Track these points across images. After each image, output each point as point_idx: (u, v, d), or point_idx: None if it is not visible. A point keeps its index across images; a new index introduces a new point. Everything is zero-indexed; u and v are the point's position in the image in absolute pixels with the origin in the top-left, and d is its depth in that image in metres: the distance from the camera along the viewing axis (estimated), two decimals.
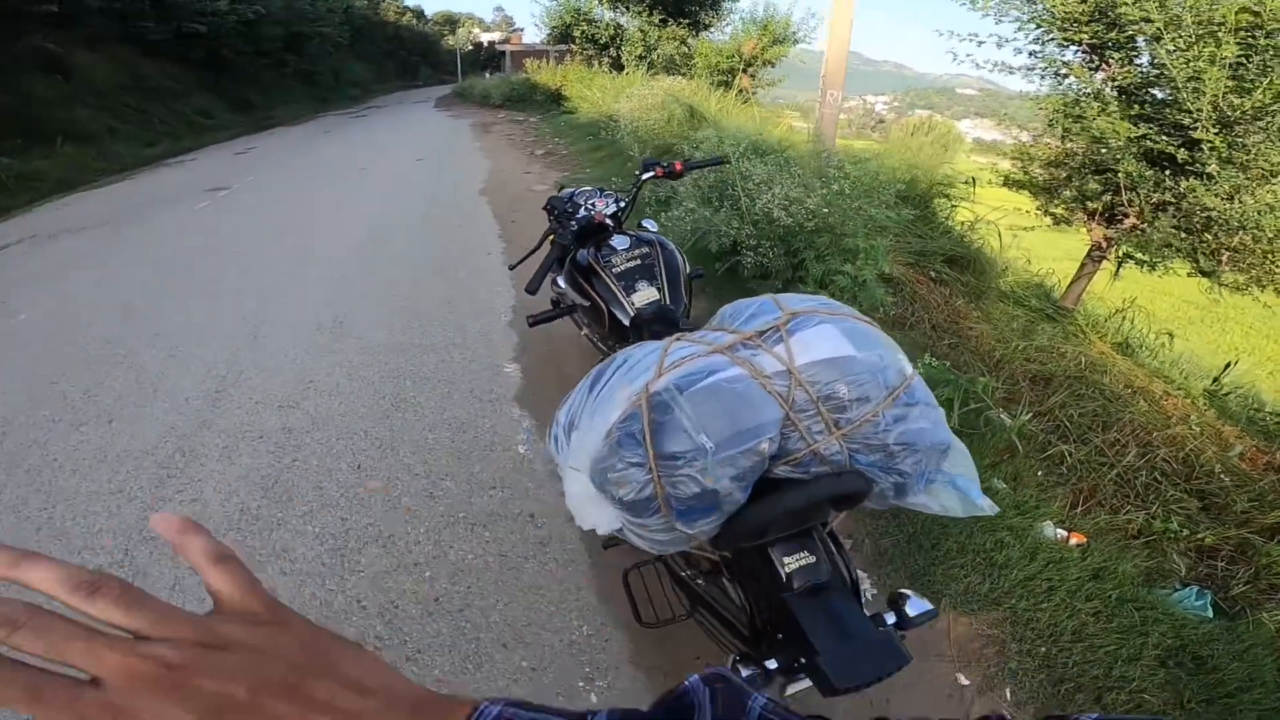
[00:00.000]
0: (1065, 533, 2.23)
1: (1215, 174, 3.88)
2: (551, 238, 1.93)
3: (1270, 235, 3.95)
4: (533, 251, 2.11)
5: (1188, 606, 1.89)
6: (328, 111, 17.50)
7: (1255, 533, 2.21)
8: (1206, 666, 1.57)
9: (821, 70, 4.98)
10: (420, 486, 2.27)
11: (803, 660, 0.94)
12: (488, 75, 25.22)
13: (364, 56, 26.54)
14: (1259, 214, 3.92)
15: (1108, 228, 4.97)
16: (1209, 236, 4.25)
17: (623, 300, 1.76)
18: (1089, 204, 5.04)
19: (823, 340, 0.98)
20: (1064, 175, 5.48)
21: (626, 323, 1.74)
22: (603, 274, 1.81)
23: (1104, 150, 4.44)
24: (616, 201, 2.02)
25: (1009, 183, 6.38)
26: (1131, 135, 4.06)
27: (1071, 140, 5.12)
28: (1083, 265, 5.36)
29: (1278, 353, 8.23)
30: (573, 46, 13.82)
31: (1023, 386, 3.03)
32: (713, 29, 12.24)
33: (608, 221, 1.91)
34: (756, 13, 11.37)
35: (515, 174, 7.69)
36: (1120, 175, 4.27)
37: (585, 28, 12.95)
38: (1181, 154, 3.91)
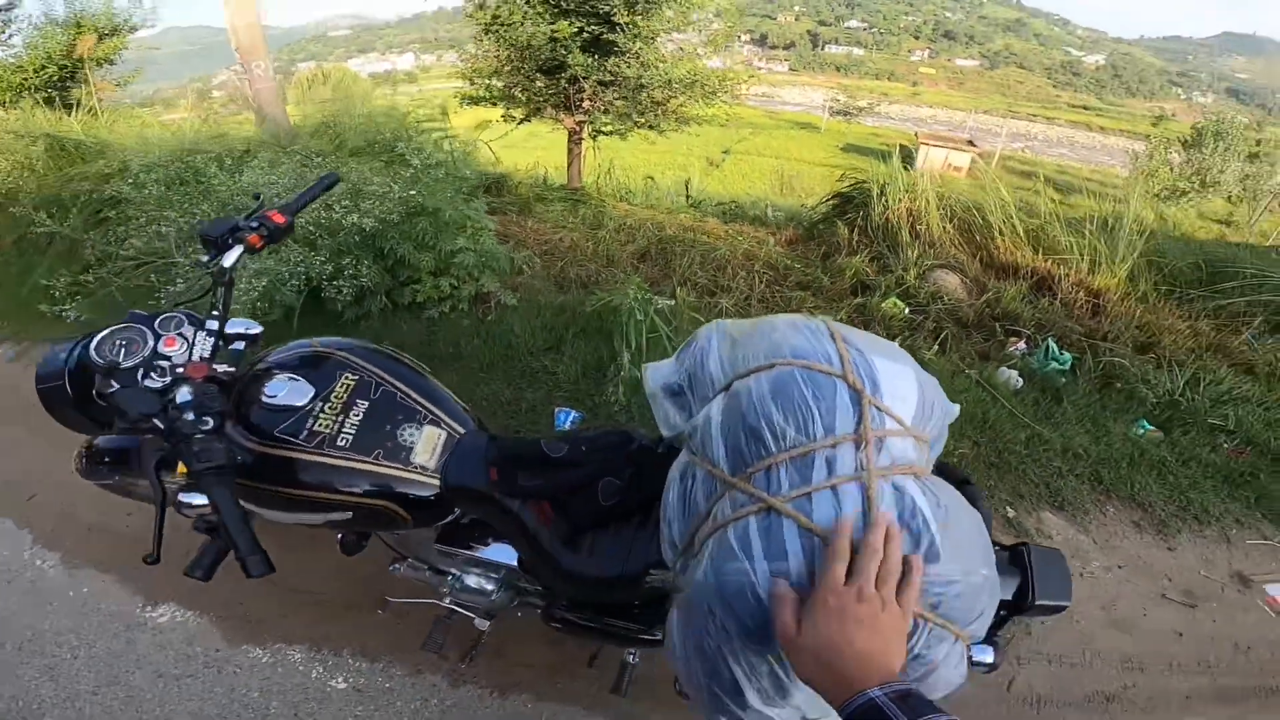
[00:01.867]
0: None
1: (628, 48, 4.79)
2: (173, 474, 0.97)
3: (682, 89, 5.24)
4: (160, 520, 0.99)
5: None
6: None
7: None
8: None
9: (232, 44, 3.88)
10: None
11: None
12: None
13: None
14: (666, 74, 5.13)
15: (572, 115, 5.64)
16: (643, 98, 5.31)
17: (397, 472, 1.05)
18: (549, 99, 5.61)
19: (898, 382, 0.78)
20: (512, 82, 5.91)
21: (413, 495, 1.06)
22: (319, 458, 1.02)
23: (550, 49, 4.86)
24: (190, 324, 1.06)
25: (469, 100, 6.58)
26: (570, 31, 4.55)
27: (507, 47, 5.45)
28: (570, 150, 6.06)
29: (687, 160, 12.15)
30: None
31: (639, 269, 3.28)
32: None
33: (217, 371, 1.02)
34: (54, 12, 8.22)
35: None
36: (574, 67, 4.78)
37: None
38: (617, 37, 4.61)
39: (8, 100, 7.45)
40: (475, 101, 6.44)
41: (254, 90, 4.64)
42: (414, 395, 1.13)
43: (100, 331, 1.03)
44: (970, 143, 21.32)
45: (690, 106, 5.81)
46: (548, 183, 6.30)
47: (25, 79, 7.94)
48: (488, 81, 6.16)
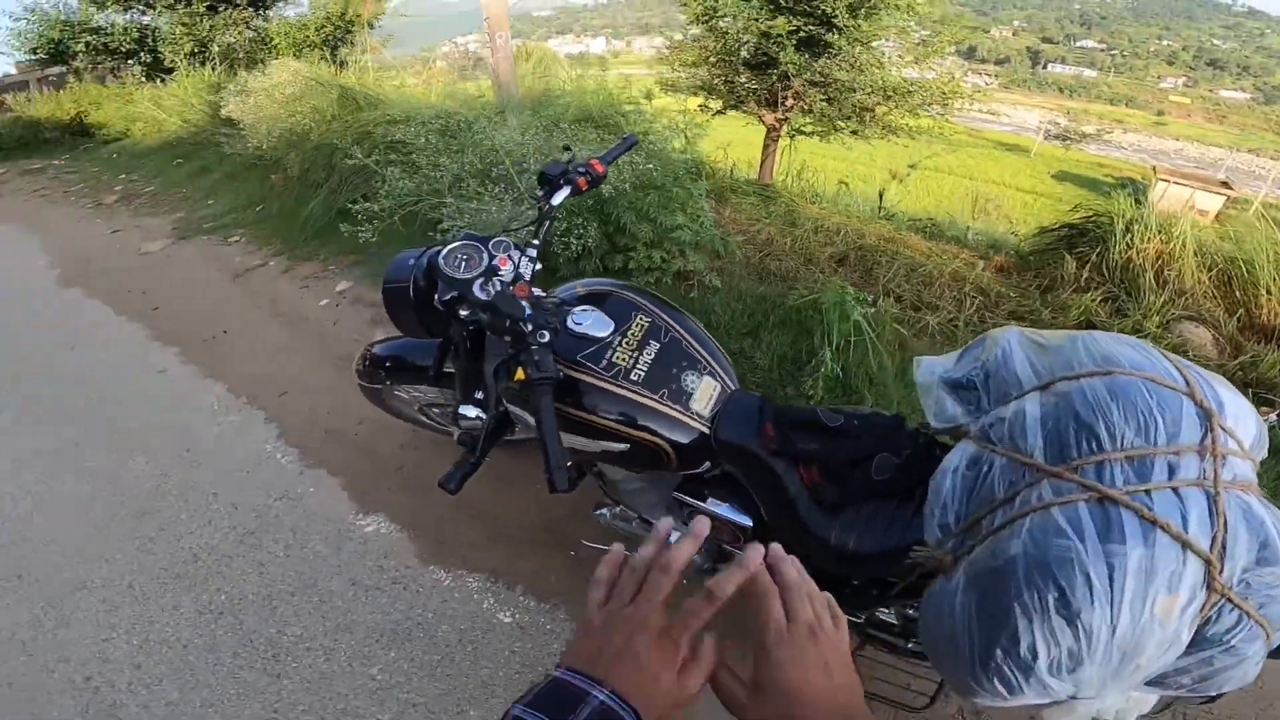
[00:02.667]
0: None
1: (845, 50, 4.66)
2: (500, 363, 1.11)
3: (899, 96, 5.02)
4: (490, 423, 1.17)
5: None
6: None
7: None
8: None
9: (484, 14, 4.38)
10: None
11: None
12: None
13: None
14: (881, 81, 4.94)
15: (774, 111, 5.61)
16: (850, 102, 5.15)
17: (678, 414, 1.13)
18: (752, 94, 5.62)
19: (1240, 409, 0.82)
20: (715, 74, 5.99)
21: (686, 441, 1.14)
22: (613, 388, 1.12)
23: (762, 44, 4.87)
24: (518, 251, 1.20)
25: (667, 87, 6.78)
26: (787, 29, 4.52)
27: (717, 38, 5.53)
28: (765, 146, 6.03)
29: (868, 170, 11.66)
30: (75, 65, 10.30)
31: (839, 272, 3.21)
32: (284, 4, 10.12)
33: (534, 293, 1.15)
34: None
35: (94, 239, 5.32)
36: (785, 64, 4.75)
37: (90, 39, 9.63)
38: (834, 38, 4.50)
39: (295, 54, 8.96)
40: (674, 89, 6.61)
41: (495, 59, 5.14)
42: (696, 345, 1.21)
43: (445, 246, 1.18)
44: (1225, 184, 17.87)
45: (897, 115, 5.53)
46: (735, 175, 6.34)
47: (307, 36, 9.49)
48: (692, 70, 6.30)
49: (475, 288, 1.11)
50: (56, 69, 11.39)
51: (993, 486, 0.84)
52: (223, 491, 2.27)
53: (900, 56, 5.37)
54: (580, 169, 1.30)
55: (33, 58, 10.51)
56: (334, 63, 7.87)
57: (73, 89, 10.58)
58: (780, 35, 4.60)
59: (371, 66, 7.07)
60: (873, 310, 2.67)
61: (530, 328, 1.03)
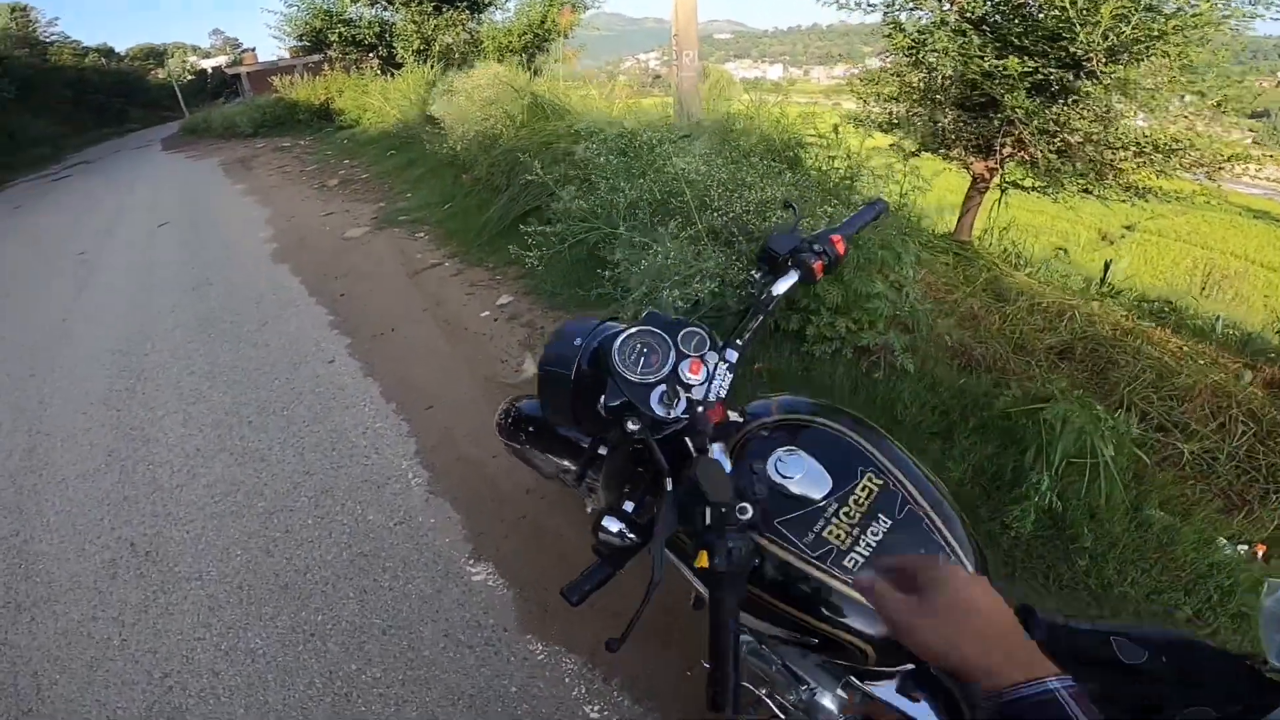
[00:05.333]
0: (1246, 546, 1.95)
1: (1099, 98, 3.92)
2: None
3: (1162, 152, 4.15)
4: (641, 605, 0.76)
5: None
6: (14, 180, 13.49)
7: None
8: None
9: (673, 31, 4.27)
10: None
11: None
12: (223, 103, 22.21)
13: (45, 109, 22.93)
14: (1145, 135, 4.11)
15: (986, 160, 4.92)
16: (1084, 154, 4.34)
17: None
18: (962, 137, 4.97)
19: None
20: (915, 111, 5.42)
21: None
22: (820, 574, 0.80)
23: (985, 84, 4.26)
24: (714, 353, 0.88)
25: (857, 122, 6.25)
26: (1020, 70, 3.88)
27: (925, 72, 4.98)
28: (968, 198, 5.32)
29: (1071, 229, 10.22)
30: (329, 53, 11.92)
31: (1060, 367, 2.62)
32: (494, 8, 11.02)
33: (729, 416, 0.88)
34: None
35: (311, 219, 6.01)
36: (1012, 109, 4.10)
37: (343, 30, 11.12)
38: (1085, 84, 3.81)
39: (499, 58, 9.62)
40: (862, 123, 6.07)
41: (679, 77, 5.04)
42: (939, 521, 0.84)
43: (624, 329, 0.90)
44: None
45: (1146, 175, 4.56)
46: (923, 227, 5.68)
47: (510, 42, 10.19)
48: (890, 106, 5.74)
49: (654, 399, 0.83)
50: (316, 56, 13.42)
51: None
52: (350, 504, 2.27)
53: (1180, 111, 4.40)
54: (817, 247, 0.97)
55: (300, 43, 12.31)
56: (529, 69, 8.33)
57: (325, 76, 12.42)
58: (1013, 74, 3.94)
59: (563, 76, 7.37)
60: (1110, 429, 2.10)
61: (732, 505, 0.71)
